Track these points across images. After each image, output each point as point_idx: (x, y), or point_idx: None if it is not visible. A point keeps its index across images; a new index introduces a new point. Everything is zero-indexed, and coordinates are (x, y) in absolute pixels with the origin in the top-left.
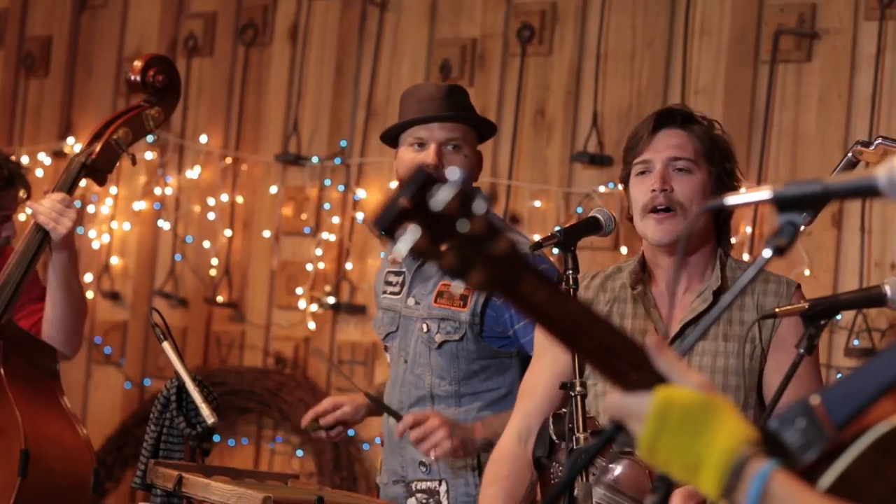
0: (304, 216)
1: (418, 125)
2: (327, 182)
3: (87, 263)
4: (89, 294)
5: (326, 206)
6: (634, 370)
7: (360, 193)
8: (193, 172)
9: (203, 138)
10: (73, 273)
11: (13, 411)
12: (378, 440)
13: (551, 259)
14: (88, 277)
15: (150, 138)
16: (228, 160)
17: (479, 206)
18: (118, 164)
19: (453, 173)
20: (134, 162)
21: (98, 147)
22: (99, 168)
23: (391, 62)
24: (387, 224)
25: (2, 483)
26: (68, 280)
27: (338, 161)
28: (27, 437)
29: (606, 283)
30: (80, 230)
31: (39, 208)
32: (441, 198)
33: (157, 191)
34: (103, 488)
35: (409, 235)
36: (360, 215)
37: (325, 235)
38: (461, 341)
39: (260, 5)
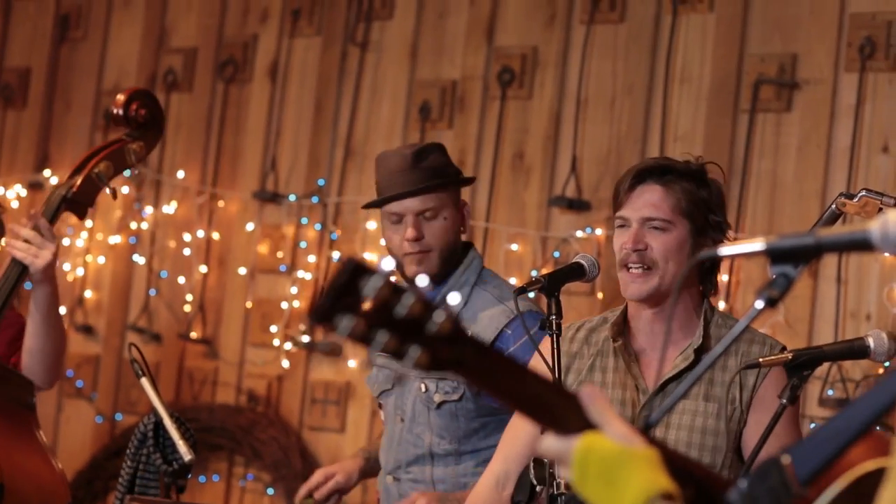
0: (280, 254)
1: (391, 202)
2: (304, 220)
3: (61, 296)
4: None
5: (303, 244)
6: (570, 415)
7: (337, 232)
8: (170, 207)
9: (180, 174)
10: (53, 305)
11: None
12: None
13: (529, 302)
14: (62, 310)
15: (127, 172)
16: (205, 196)
17: (412, 289)
18: (98, 198)
19: (383, 263)
20: (115, 196)
21: (79, 180)
22: (79, 201)
23: (371, 102)
24: (322, 316)
25: None
26: (49, 312)
27: (315, 199)
28: (2, 471)
29: (591, 336)
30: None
31: (17, 242)
32: (371, 286)
33: (133, 225)
34: None
35: (345, 325)
36: (336, 254)
37: (300, 274)
38: (460, 401)
39: (240, 42)
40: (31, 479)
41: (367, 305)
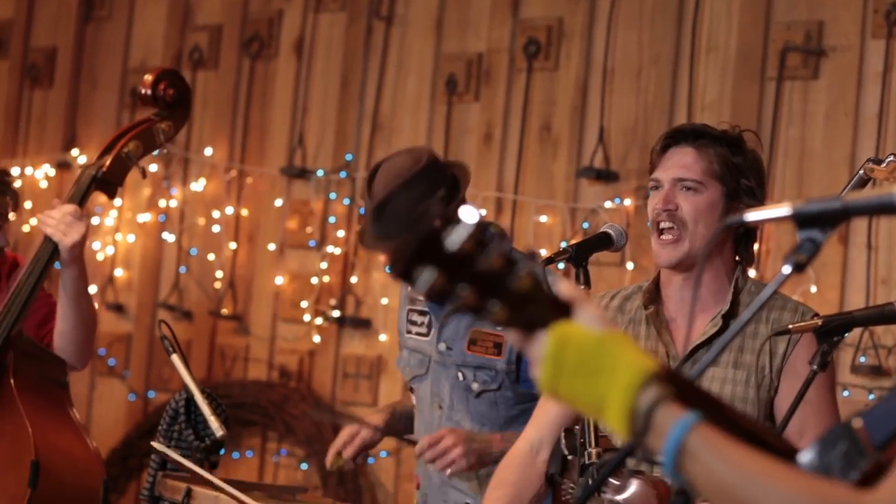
0: (308, 229)
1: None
2: (332, 195)
3: (92, 275)
4: None
5: (331, 219)
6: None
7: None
8: (198, 185)
9: (208, 151)
10: (82, 287)
11: (23, 423)
12: (383, 454)
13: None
14: (93, 289)
15: (155, 151)
16: (233, 173)
17: (496, 243)
18: (127, 177)
19: (468, 214)
20: (144, 175)
21: (109, 160)
22: (109, 181)
23: (397, 76)
24: (402, 268)
25: (12, 494)
26: (78, 294)
27: (343, 174)
28: (37, 449)
29: (625, 305)
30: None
31: (48, 220)
32: (456, 238)
33: (162, 203)
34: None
35: (425, 277)
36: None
37: (329, 249)
38: (499, 390)
39: (265, 18)
40: (66, 456)
41: (449, 257)
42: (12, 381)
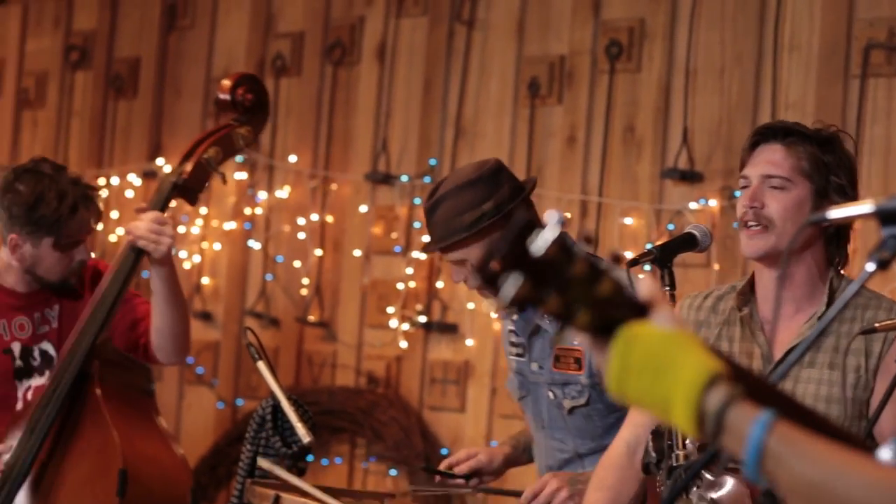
0: (394, 235)
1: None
2: (417, 201)
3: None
4: None
5: (416, 224)
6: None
7: None
8: (283, 192)
9: (292, 158)
10: (175, 283)
11: (110, 431)
12: None
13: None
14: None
15: (239, 158)
16: (318, 180)
17: (579, 248)
18: (209, 184)
19: (551, 217)
20: (224, 181)
21: (189, 167)
22: (190, 187)
23: (479, 80)
24: (488, 275)
25: (101, 503)
26: (172, 290)
27: (427, 179)
28: (125, 457)
29: (718, 305)
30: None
31: (137, 230)
32: (541, 243)
33: (248, 211)
34: None
35: (511, 283)
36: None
37: (415, 254)
38: (588, 404)
39: (347, 24)
40: (153, 464)
41: (534, 263)
42: (98, 389)
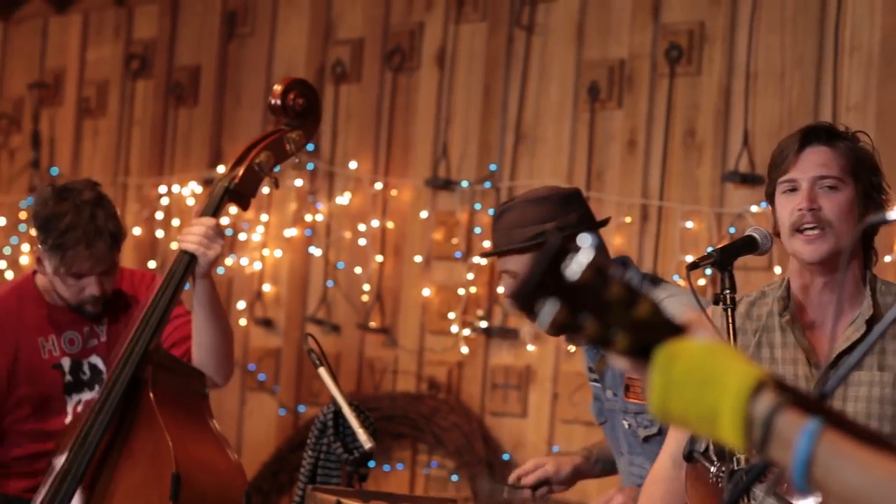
0: (454, 240)
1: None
2: (477, 206)
3: (240, 291)
4: (242, 321)
5: (477, 230)
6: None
7: None
8: (344, 199)
9: (353, 164)
10: (216, 297)
11: (164, 436)
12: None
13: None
14: (241, 305)
15: (304, 163)
16: (378, 186)
17: (615, 271)
18: (261, 188)
19: (584, 241)
20: (277, 185)
21: (241, 171)
22: (242, 192)
23: (539, 85)
24: (524, 300)
25: None
26: (214, 306)
27: (487, 185)
28: (178, 461)
29: (752, 311)
30: (231, 258)
31: (188, 236)
32: (576, 267)
33: (308, 217)
34: None
35: (548, 309)
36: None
37: (476, 259)
38: (661, 434)
39: (407, 30)
40: (206, 468)
41: (569, 288)
42: (151, 394)
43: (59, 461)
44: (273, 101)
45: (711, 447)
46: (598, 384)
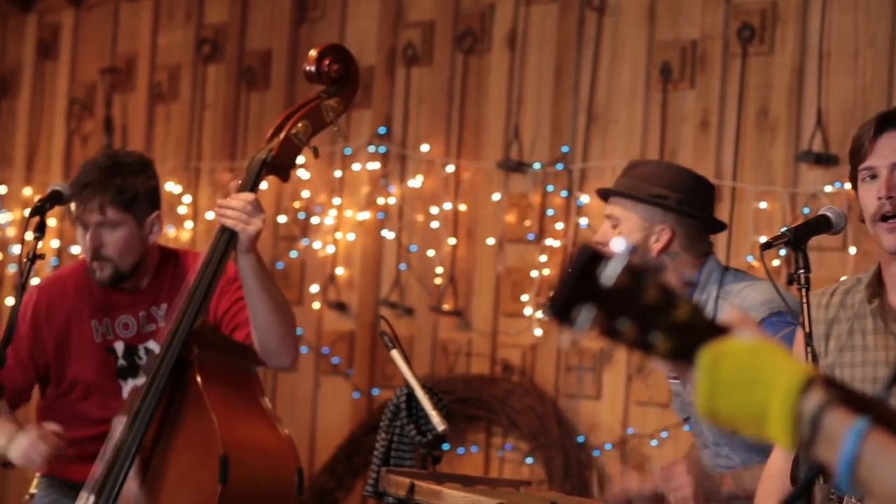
0: (527, 223)
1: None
2: (550, 188)
3: (313, 274)
4: (315, 305)
5: (550, 212)
6: None
7: (584, 199)
8: (416, 181)
9: (424, 147)
10: (265, 273)
11: (210, 417)
12: (608, 446)
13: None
14: (314, 288)
15: (370, 148)
16: (450, 168)
17: (651, 274)
18: (298, 159)
19: (618, 245)
20: (316, 155)
21: (277, 143)
22: (280, 164)
23: (611, 66)
24: (560, 309)
25: (204, 491)
26: (263, 281)
27: (560, 166)
28: (225, 443)
29: (846, 299)
30: (304, 241)
31: (226, 211)
32: (610, 272)
33: (381, 200)
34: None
35: (585, 316)
36: (583, 221)
37: (549, 241)
38: None
39: (477, 13)
40: (255, 449)
41: (605, 293)
42: (198, 376)
43: (110, 446)
44: (308, 68)
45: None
46: (678, 380)
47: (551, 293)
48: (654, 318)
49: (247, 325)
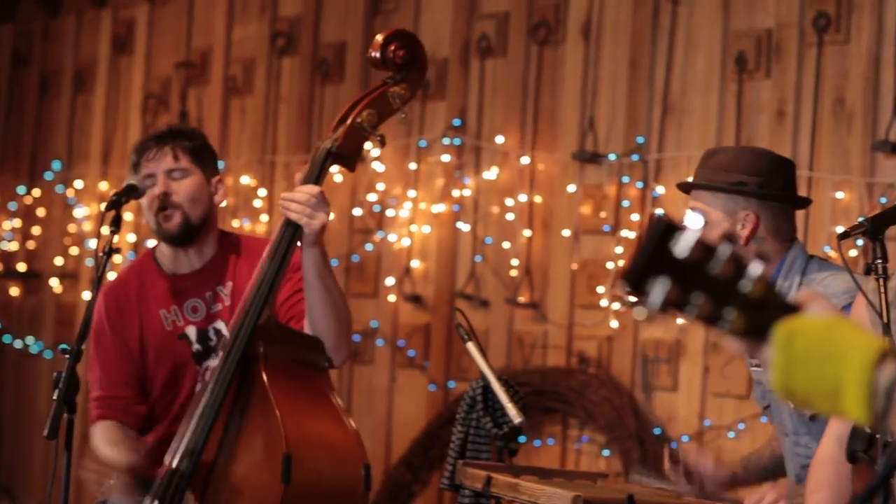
0: (602, 214)
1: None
2: (625, 179)
3: (388, 267)
4: (391, 298)
5: (625, 203)
6: None
7: (659, 190)
8: (491, 173)
9: (499, 139)
10: (327, 270)
11: (274, 414)
12: (685, 438)
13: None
14: (390, 281)
15: (445, 140)
16: (525, 160)
17: (724, 249)
18: (364, 148)
19: (693, 220)
20: (383, 144)
21: (342, 132)
22: (345, 154)
23: (686, 56)
24: (635, 280)
25: (267, 490)
26: (324, 278)
27: (635, 158)
28: (288, 441)
29: None
30: (379, 234)
31: (291, 205)
32: (684, 245)
33: (456, 193)
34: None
35: (659, 288)
36: (659, 212)
37: (624, 233)
38: None
39: (552, 4)
40: (321, 445)
41: (679, 266)
42: (263, 372)
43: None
44: (372, 54)
45: (875, 443)
46: (759, 368)
47: (626, 264)
48: (728, 293)
49: (302, 318)
